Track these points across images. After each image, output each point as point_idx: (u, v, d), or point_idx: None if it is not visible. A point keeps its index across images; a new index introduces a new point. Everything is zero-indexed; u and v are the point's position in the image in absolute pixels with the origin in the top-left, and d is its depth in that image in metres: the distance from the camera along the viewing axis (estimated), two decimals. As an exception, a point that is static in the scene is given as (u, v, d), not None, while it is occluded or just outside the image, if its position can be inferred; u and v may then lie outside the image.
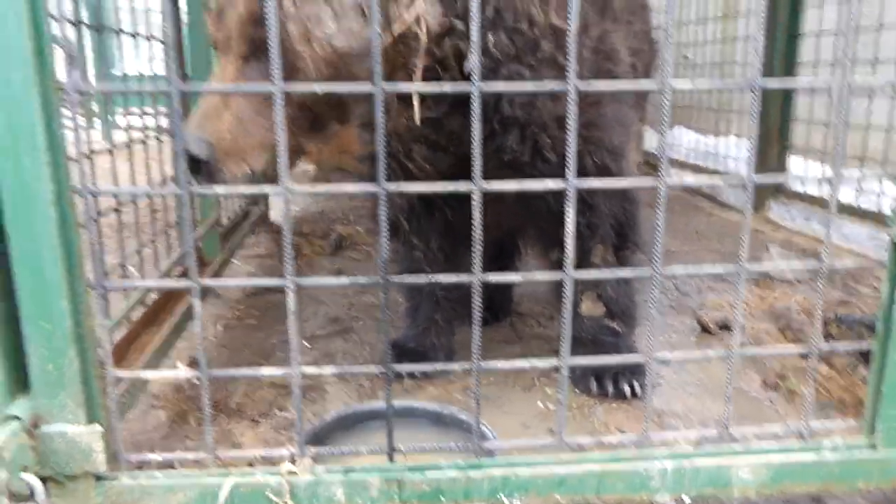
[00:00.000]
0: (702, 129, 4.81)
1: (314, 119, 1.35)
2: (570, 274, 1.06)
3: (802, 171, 3.65)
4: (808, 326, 2.10)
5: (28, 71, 0.88)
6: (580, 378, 1.79)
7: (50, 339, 0.98)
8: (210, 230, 2.47)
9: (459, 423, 1.42)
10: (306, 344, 2.14)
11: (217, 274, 2.48)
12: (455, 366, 1.12)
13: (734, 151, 4.26)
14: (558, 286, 1.83)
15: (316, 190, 1.05)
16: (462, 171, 1.01)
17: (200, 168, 1.24)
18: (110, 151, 1.74)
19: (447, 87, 0.98)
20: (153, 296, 1.92)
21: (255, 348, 2.09)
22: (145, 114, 2.18)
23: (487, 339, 2.11)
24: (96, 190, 0.98)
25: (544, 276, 1.11)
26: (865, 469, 1.15)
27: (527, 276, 1.11)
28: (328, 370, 1.08)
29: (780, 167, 3.77)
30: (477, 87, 0.94)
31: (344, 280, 1.06)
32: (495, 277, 1.07)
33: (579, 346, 1.72)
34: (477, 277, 1.03)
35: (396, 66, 1.33)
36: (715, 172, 4.50)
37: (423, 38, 1.32)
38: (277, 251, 3.21)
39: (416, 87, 1.13)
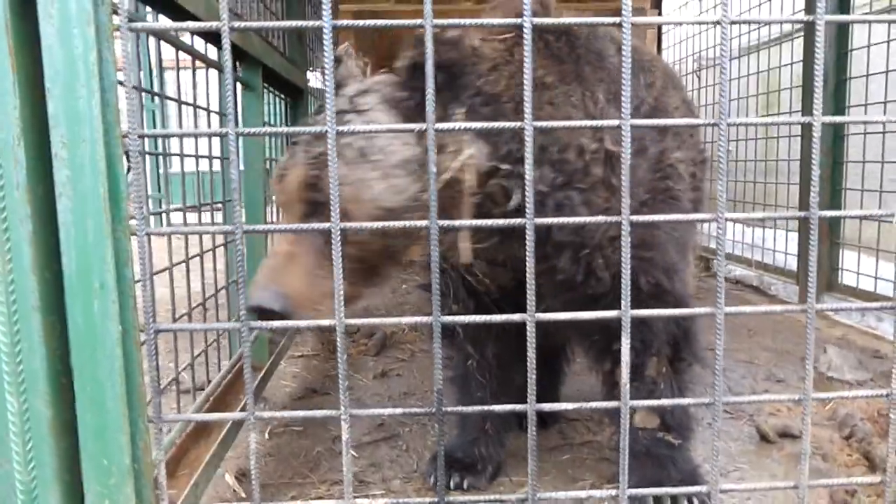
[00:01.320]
0: (748, 221, 4.78)
1: (370, 268, 1.39)
2: (627, 402, 1.04)
3: (855, 266, 3.57)
4: (873, 436, 2.01)
5: (100, 219, 0.93)
6: (636, 500, 1.72)
7: (107, 475, 0.99)
8: (258, 336, 2.50)
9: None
10: (352, 452, 2.11)
11: (266, 377, 2.49)
12: (512, 497, 1.09)
13: (781, 245, 4.20)
14: (610, 391, 1.81)
15: (371, 322, 1.06)
16: (521, 284, 1.02)
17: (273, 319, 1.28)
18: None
19: (499, 222, 1.00)
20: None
21: (303, 458, 2.07)
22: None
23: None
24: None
25: (600, 405, 1.09)
26: None
27: (581, 406, 1.09)
28: (380, 502, 1.06)
29: (834, 263, 3.70)
30: (530, 222, 0.96)
31: (398, 410, 1.06)
32: (549, 407, 1.05)
33: (633, 459, 1.66)
34: (531, 408, 1.02)
35: (445, 208, 1.37)
36: (762, 265, 4.43)
37: (470, 182, 1.37)
38: (322, 350, 3.23)
39: (468, 222, 1.16)
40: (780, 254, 4.20)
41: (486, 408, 1.04)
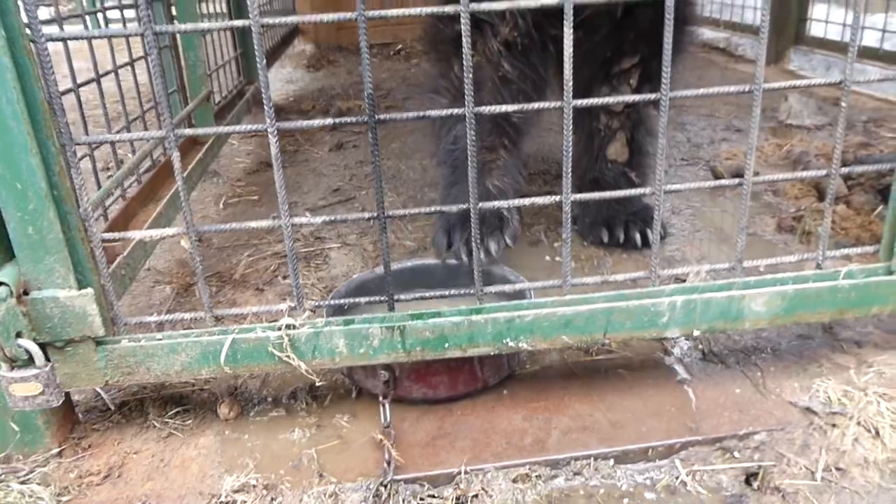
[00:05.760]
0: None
1: None
2: (570, 102, 0.98)
3: (824, 17, 3.44)
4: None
5: None
6: (589, 228, 1.74)
7: (25, 200, 0.93)
8: (202, 105, 2.38)
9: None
10: (308, 215, 2.10)
11: (212, 149, 2.41)
12: (449, 206, 1.06)
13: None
14: (582, 137, 1.75)
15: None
16: None
17: None
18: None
19: None
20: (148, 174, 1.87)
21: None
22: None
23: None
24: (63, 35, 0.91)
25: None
26: (882, 294, 1.11)
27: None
28: (318, 219, 1.04)
29: (802, 13, 3.55)
30: None
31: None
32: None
33: (603, 190, 1.67)
34: (469, 110, 0.96)
35: None
36: (730, 24, 4.27)
37: None
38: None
39: None
40: (749, 9, 4.02)
41: (420, 113, 0.97)
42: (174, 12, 2.37)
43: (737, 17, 4.19)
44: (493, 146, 1.65)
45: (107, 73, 1.71)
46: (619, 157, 1.76)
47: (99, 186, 1.58)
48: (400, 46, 5.02)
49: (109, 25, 2.04)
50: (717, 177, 2.11)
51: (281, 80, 4.18)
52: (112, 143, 2.12)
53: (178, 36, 2.32)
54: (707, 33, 4.45)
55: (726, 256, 1.64)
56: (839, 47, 3.34)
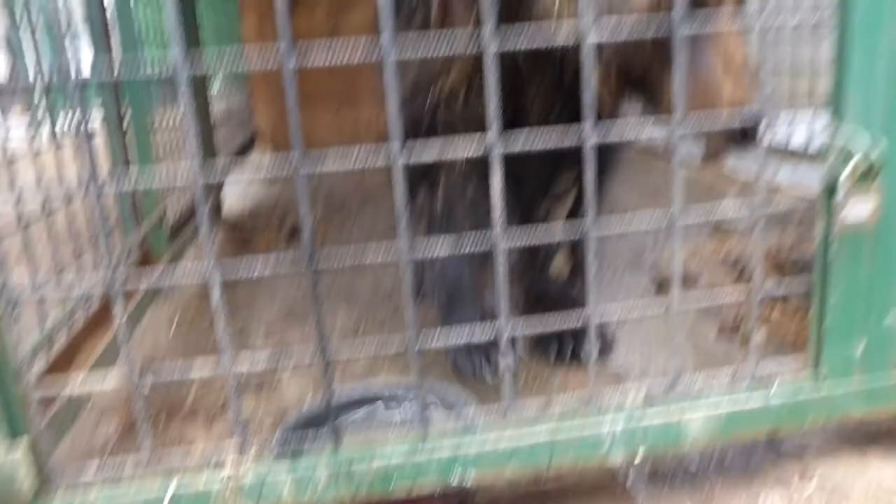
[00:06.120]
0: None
1: None
2: (501, 246, 1.03)
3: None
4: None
5: None
6: (535, 345, 1.78)
7: (-41, 362, 0.93)
8: (156, 227, 2.41)
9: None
10: (261, 339, 2.10)
11: (166, 271, 2.41)
12: (391, 347, 1.09)
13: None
14: (525, 254, 1.81)
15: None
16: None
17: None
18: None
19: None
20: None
21: (209, 349, 2.04)
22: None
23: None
24: None
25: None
26: (812, 407, 1.15)
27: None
28: (261, 360, 1.05)
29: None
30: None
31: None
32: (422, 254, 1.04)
33: (541, 306, 1.71)
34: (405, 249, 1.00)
35: None
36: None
37: None
38: (231, 246, 3.15)
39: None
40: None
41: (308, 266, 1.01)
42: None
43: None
44: (482, 270, 1.70)
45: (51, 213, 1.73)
46: (561, 272, 1.82)
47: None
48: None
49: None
50: (659, 284, 2.19)
51: (236, 192, 4.24)
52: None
53: (130, 150, 2.34)
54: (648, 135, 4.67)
55: (671, 365, 1.68)
56: (772, 150, 3.53)
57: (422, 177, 1.69)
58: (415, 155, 0.97)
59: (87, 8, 2.11)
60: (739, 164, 3.76)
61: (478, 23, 1.42)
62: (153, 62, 2.54)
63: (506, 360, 1.50)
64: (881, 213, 1.09)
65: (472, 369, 1.59)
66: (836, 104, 1.08)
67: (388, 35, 0.90)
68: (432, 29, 1.51)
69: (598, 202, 1.85)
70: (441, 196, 1.69)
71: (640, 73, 1.34)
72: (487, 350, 1.62)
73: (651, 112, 1.46)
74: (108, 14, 2.23)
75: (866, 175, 1.06)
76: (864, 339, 1.15)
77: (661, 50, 1.27)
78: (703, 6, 1.26)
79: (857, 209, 1.08)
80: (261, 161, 5.40)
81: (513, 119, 1.71)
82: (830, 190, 1.09)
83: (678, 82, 1.02)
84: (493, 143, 0.98)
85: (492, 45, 0.94)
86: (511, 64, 1.57)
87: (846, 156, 1.06)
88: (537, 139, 1.00)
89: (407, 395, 1.41)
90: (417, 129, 1.58)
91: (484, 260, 1.67)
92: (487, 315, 1.66)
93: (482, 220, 1.68)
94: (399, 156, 0.95)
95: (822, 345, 1.16)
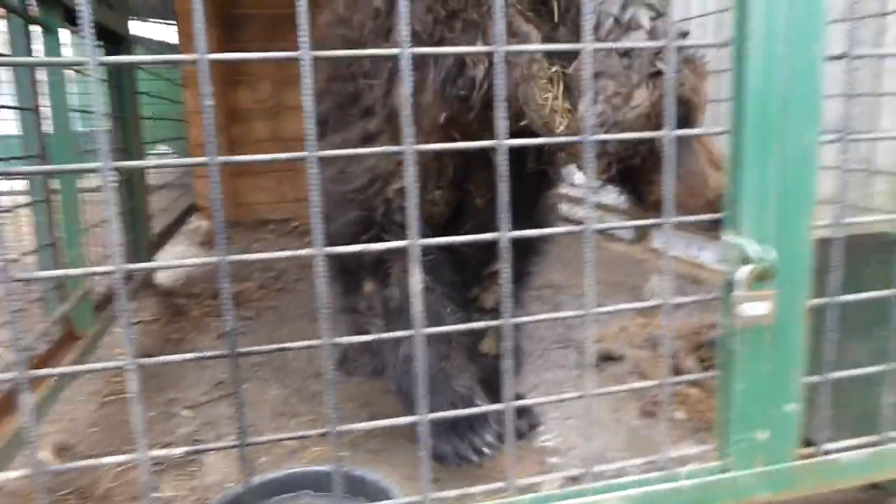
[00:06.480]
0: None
1: None
2: (420, 331, 1.07)
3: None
4: (681, 352, 2.20)
5: None
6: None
7: None
8: (81, 301, 2.35)
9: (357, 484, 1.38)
10: (188, 413, 2.06)
11: (91, 347, 2.35)
12: (313, 433, 1.10)
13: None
14: (468, 335, 1.85)
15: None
16: None
17: None
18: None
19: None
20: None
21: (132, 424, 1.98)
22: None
23: (377, 389, 2.10)
24: None
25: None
26: (720, 491, 1.20)
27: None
28: (178, 451, 1.04)
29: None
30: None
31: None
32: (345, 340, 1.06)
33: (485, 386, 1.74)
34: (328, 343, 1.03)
35: None
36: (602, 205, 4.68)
37: None
38: (164, 315, 3.09)
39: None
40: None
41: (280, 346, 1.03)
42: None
43: (607, 199, 4.61)
44: (446, 354, 1.72)
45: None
46: (491, 351, 1.86)
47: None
48: (297, 223, 5.18)
49: None
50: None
51: (175, 260, 4.19)
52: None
53: (58, 230, 2.32)
54: (579, 212, 4.85)
55: (596, 444, 1.72)
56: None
57: (375, 264, 1.74)
58: (336, 250, 1.00)
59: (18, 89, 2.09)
60: (663, 239, 3.93)
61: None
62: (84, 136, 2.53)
63: (485, 440, 1.57)
64: (778, 310, 1.17)
65: (454, 454, 1.59)
66: (732, 214, 1.17)
67: (311, 142, 0.95)
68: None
69: (524, 285, 1.94)
70: (396, 284, 1.75)
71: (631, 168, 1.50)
72: (464, 432, 1.62)
73: (636, 205, 1.60)
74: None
75: (762, 276, 1.14)
76: (768, 425, 1.22)
77: (653, 151, 1.44)
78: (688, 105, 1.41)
79: (755, 306, 1.16)
80: (199, 226, 5.36)
81: (462, 203, 1.79)
82: (730, 287, 1.17)
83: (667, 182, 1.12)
84: (412, 242, 1.03)
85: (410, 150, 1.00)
86: (462, 159, 1.66)
87: (744, 259, 1.14)
88: (455, 237, 1.05)
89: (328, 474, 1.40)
90: (372, 215, 1.68)
91: (448, 343, 1.75)
92: (461, 395, 1.68)
93: (433, 305, 1.72)
94: (320, 254, 0.99)
95: (729, 431, 1.22)
